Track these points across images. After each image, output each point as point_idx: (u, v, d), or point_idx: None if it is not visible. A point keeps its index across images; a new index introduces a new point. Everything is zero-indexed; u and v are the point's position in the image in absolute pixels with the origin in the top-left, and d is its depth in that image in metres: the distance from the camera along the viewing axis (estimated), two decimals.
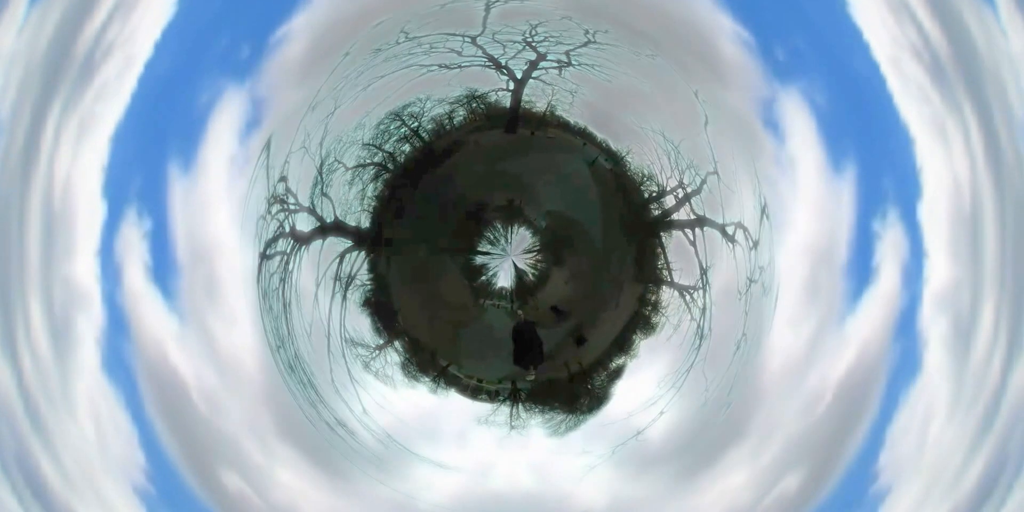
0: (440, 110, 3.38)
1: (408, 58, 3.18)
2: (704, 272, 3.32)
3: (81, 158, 2.80)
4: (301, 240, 3.20)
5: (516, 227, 3.39)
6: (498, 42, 3.26)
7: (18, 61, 2.72)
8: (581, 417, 3.36)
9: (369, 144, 3.30)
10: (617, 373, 3.45)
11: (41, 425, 2.82)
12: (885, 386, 2.84)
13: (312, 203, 3.24)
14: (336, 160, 3.26)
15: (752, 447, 2.93)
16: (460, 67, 3.28)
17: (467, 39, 3.20)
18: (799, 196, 2.94)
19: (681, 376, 3.30)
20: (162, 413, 2.86)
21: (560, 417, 3.38)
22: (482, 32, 3.21)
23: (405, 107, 3.33)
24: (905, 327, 2.85)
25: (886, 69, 2.74)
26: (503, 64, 3.31)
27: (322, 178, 3.22)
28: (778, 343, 2.96)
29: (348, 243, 3.33)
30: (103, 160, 2.81)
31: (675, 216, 3.41)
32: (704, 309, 3.31)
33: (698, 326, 3.30)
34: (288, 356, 3.08)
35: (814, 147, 2.89)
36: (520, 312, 3.40)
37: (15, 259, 2.79)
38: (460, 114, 3.38)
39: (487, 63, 3.29)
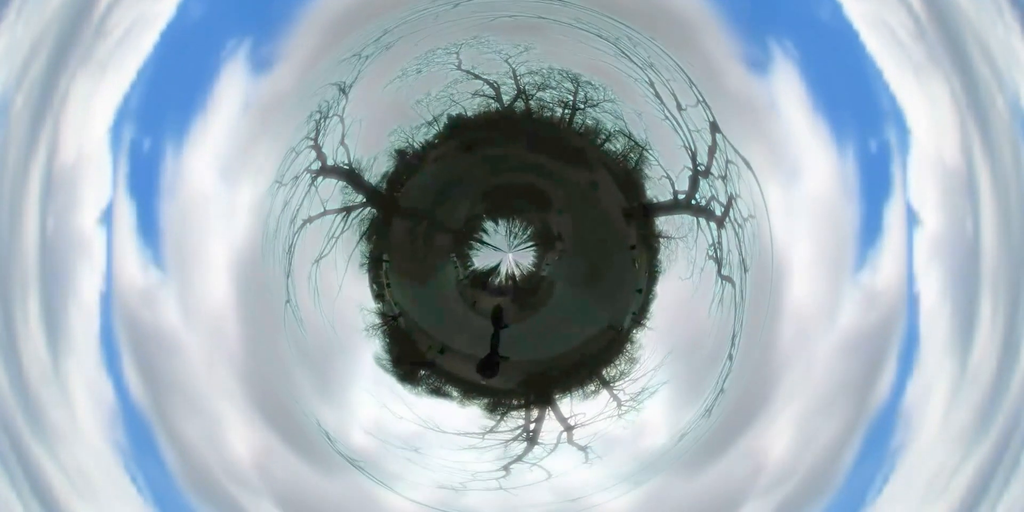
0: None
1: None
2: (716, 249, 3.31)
3: (90, 116, 2.89)
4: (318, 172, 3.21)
5: (523, 227, 3.41)
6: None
7: (32, 21, 2.86)
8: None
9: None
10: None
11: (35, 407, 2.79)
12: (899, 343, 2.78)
13: (328, 153, 3.26)
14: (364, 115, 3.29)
15: (780, 408, 2.85)
16: None
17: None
18: (792, 163, 2.96)
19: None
20: (138, 368, 2.82)
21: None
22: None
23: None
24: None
25: (865, 29, 2.83)
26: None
27: (344, 129, 3.25)
28: (792, 305, 2.93)
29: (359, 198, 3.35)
30: (110, 119, 2.90)
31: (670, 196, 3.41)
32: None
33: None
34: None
35: (806, 113, 2.94)
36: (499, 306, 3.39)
37: (16, 218, 2.84)
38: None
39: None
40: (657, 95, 3.27)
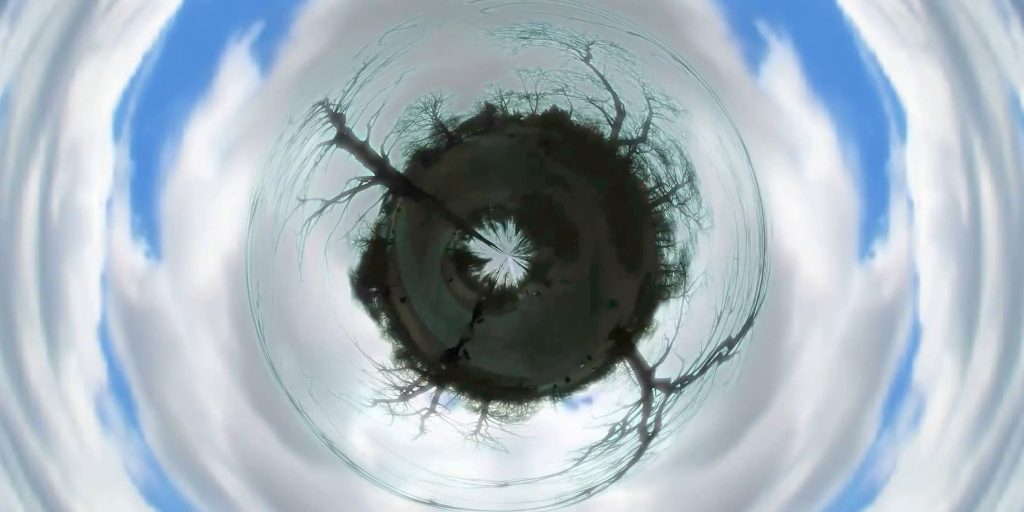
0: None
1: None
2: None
3: (96, 99, 2.87)
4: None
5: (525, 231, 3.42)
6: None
7: (39, 6, 2.86)
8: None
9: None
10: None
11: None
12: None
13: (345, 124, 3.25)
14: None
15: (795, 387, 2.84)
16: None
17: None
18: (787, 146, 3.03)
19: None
20: (133, 352, 2.76)
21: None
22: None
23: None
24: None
25: (858, 14, 2.95)
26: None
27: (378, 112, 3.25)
28: (799, 288, 2.95)
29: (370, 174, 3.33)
30: (119, 91, 2.88)
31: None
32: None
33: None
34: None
35: (803, 95, 3.02)
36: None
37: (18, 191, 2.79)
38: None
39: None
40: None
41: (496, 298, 3.42)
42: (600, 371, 3.42)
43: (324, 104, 3.17)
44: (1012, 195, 2.86)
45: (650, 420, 3.28)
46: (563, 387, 3.42)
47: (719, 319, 3.23)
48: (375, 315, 3.38)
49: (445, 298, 3.42)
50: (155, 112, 2.91)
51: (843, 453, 2.78)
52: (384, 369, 3.34)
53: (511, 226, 3.38)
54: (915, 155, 2.93)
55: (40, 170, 2.78)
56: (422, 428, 3.30)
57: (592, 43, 3.32)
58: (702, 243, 3.37)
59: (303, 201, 3.20)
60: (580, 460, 3.25)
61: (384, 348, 3.39)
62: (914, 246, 2.88)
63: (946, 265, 2.85)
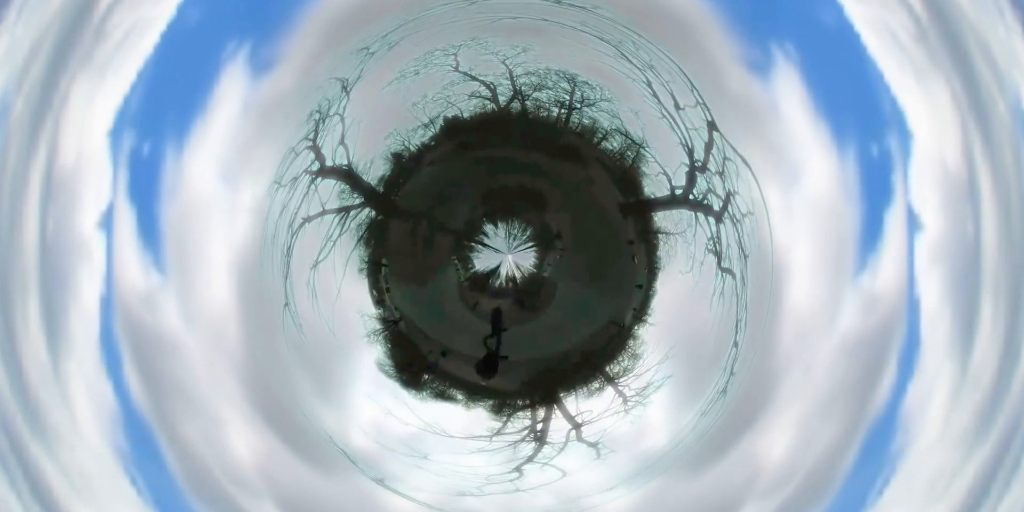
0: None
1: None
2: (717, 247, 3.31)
3: (91, 117, 2.89)
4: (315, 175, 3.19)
5: (522, 228, 3.40)
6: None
7: (32, 24, 2.85)
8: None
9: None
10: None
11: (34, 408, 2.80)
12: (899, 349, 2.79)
13: (327, 156, 3.26)
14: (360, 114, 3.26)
15: (779, 410, 2.85)
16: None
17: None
18: (795, 165, 2.96)
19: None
20: (138, 371, 2.82)
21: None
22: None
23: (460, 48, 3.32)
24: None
25: (866, 31, 2.83)
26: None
27: (345, 130, 3.24)
28: (792, 307, 2.92)
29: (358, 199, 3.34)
30: (110, 120, 2.90)
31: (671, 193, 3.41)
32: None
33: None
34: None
35: (807, 115, 2.94)
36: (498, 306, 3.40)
37: (16, 221, 2.84)
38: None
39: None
40: (655, 95, 3.26)
41: (526, 288, 3.42)
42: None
43: (307, 137, 3.15)
44: (1015, 224, 2.78)
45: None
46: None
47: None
48: (413, 381, 3.39)
49: (477, 325, 3.42)
50: (151, 130, 2.93)
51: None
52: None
53: (502, 225, 3.37)
54: (919, 178, 2.85)
55: (37, 195, 2.83)
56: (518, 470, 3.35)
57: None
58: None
59: (306, 221, 3.21)
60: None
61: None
62: (913, 272, 2.83)
63: (946, 293, 2.80)
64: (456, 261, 3.39)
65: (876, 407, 2.79)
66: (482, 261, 3.39)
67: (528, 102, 3.40)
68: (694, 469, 3.04)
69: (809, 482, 2.85)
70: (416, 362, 3.39)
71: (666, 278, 3.45)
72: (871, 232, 2.88)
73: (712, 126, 3.18)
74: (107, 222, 2.87)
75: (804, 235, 2.96)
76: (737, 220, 3.19)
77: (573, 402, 3.46)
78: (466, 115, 3.38)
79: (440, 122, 3.37)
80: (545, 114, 3.40)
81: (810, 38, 2.87)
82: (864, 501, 2.78)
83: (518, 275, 3.39)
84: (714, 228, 3.30)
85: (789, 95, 2.93)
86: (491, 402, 3.43)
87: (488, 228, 3.39)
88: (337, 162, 3.29)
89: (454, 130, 3.38)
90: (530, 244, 3.41)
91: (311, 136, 3.15)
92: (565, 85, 3.36)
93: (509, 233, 3.37)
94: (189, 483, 2.80)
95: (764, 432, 2.90)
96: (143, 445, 2.80)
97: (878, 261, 2.86)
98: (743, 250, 3.17)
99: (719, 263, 3.29)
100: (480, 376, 3.42)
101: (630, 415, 3.39)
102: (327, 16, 2.96)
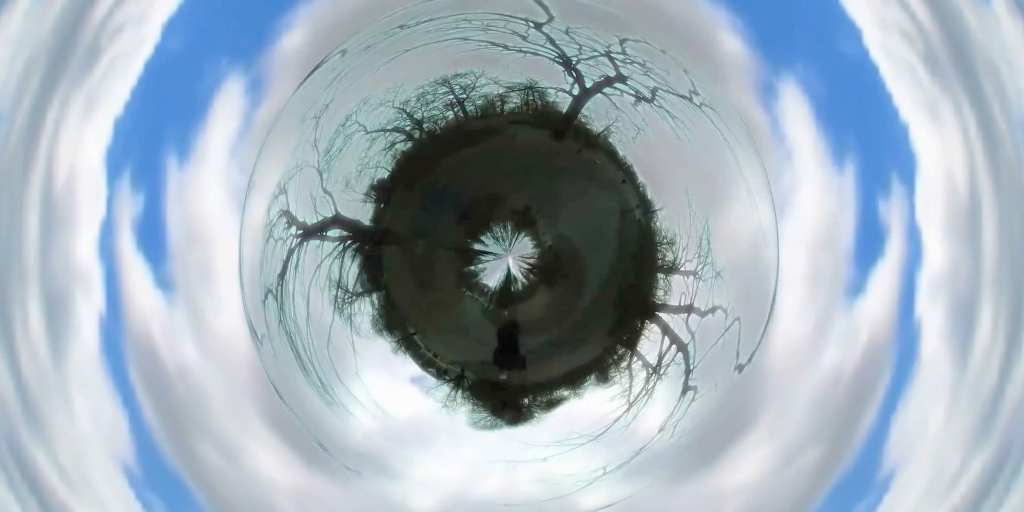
0: (488, 90, 3.14)
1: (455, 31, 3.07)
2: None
3: (85, 138, 2.86)
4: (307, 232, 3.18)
5: (522, 234, 3.37)
6: (573, 40, 3.09)
7: (25, 41, 2.79)
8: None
9: (402, 110, 3.17)
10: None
11: (35, 412, 2.83)
12: (890, 374, 2.82)
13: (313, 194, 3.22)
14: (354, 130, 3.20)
15: (766, 432, 2.89)
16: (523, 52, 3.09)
17: (531, 24, 3.04)
18: (800, 191, 2.94)
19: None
20: (148, 392, 2.87)
21: (479, 416, 3.35)
22: (549, 20, 3.10)
23: (453, 77, 3.10)
24: (905, 314, 2.84)
25: (878, 55, 2.78)
26: (573, 65, 3.10)
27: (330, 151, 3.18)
28: (784, 331, 2.94)
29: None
30: (106, 140, 2.87)
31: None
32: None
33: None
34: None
35: (813, 138, 2.90)
36: (505, 313, 3.38)
37: (14, 242, 2.83)
38: (511, 101, 3.17)
39: (556, 57, 3.08)
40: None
41: (550, 268, 3.38)
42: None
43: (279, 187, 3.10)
44: (1018, 252, 2.78)
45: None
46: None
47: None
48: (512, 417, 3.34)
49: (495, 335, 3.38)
50: (148, 148, 2.90)
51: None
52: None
53: (497, 229, 3.34)
54: (923, 203, 2.83)
55: (36, 216, 2.82)
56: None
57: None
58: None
59: (306, 239, 3.17)
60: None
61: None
62: (914, 296, 2.84)
63: (945, 321, 2.82)
64: (469, 292, 3.37)
65: (864, 432, 2.84)
66: (489, 276, 3.38)
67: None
68: (676, 483, 3.08)
69: (798, 491, 2.93)
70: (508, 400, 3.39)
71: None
72: (869, 255, 2.88)
73: None
74: (107, 241, 2.88)
75: (800, 257, 2.96)
76: None
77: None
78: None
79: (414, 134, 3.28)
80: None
81: (820, 61, 2.82)
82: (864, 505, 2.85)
83: (529, 265, 3.38)
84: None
85: (793, 114, 2.89)
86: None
87: (478, 245, 3.37)
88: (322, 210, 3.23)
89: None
90: (518, 234, 3.38)
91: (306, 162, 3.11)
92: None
93: (494, 238, 3.34)
94: (206, 498, 2.87)
95: (746, 451, 2.95)
96: (153, 463, 2.86)
97: (874, 284, 2.87)
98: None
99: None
100: (500, 368, 3.40)
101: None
102: (316, 29, 2.91)
